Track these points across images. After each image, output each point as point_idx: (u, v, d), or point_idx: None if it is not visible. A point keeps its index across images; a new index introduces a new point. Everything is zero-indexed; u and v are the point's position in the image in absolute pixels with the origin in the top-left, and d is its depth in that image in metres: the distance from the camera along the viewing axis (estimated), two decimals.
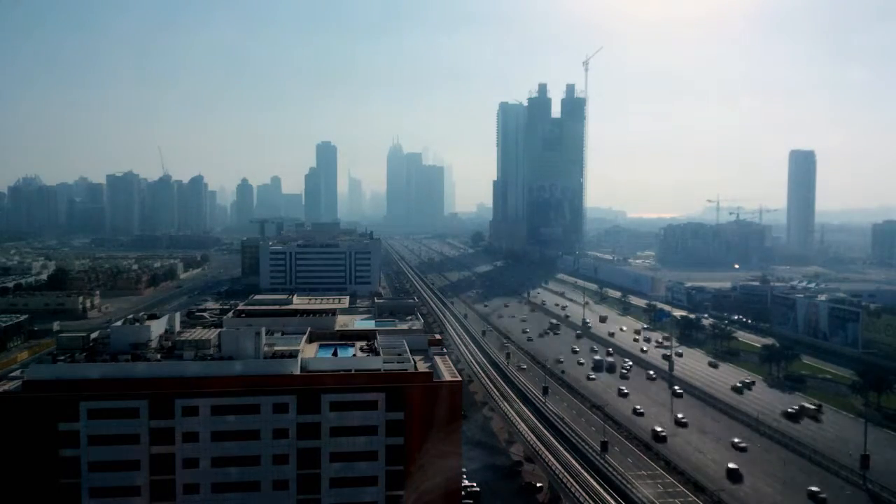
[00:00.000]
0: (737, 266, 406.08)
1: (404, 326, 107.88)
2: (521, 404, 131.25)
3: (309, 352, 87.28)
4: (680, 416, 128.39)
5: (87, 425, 71.72)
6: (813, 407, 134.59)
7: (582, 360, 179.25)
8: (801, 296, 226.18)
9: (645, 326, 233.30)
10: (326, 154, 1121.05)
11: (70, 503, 71.44)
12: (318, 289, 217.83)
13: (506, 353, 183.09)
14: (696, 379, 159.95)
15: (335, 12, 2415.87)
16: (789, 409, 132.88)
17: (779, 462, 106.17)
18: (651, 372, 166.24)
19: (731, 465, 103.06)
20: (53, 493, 71.31)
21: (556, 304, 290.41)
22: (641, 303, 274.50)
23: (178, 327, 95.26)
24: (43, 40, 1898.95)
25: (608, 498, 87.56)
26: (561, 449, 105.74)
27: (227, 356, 79.79)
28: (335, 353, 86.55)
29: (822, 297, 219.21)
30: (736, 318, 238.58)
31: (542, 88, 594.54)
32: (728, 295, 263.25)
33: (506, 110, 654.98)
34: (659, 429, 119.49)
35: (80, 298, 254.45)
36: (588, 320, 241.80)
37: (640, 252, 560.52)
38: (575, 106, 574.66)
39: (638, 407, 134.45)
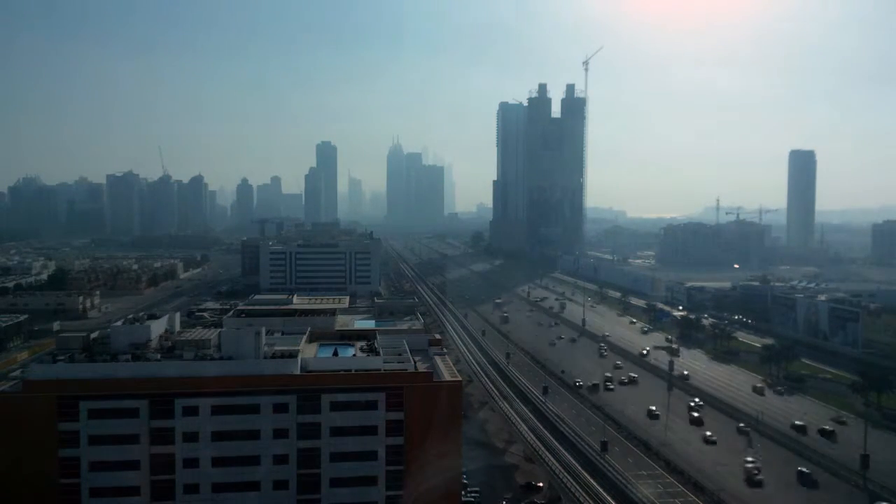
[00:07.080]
0: (737, 266, 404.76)
1: (404, 326, 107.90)
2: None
3: (309, 352, 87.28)
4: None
5: (87, 425, 71.72)
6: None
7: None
8: (802, 296, 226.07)
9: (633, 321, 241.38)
10: (326, 154, 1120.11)
11: (70, 503, 71.48)
12: (318, 289, 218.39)
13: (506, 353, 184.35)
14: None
15: (335, 12, 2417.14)
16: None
17: None
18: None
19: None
20: (53, 493, 71.33)
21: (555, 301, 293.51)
22: (641, 303, 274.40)
23: (178, 327, 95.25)
24: (43, 40, 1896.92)
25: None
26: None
27: (227, 356, 79.73)
28: (335, 353, 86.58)
29: (822, 298, 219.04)
30: (736, 318, 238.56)
31: (542, 88, 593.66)
32: (728, 295, 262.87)
33: (506, 110, 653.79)
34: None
35: (80, 298, 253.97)
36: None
37: (640, 252, 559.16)
38: (575, 106, 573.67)
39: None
